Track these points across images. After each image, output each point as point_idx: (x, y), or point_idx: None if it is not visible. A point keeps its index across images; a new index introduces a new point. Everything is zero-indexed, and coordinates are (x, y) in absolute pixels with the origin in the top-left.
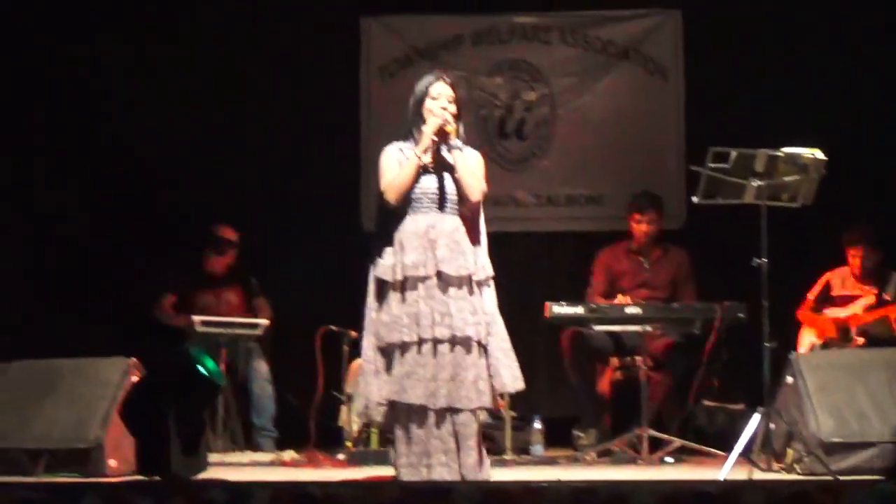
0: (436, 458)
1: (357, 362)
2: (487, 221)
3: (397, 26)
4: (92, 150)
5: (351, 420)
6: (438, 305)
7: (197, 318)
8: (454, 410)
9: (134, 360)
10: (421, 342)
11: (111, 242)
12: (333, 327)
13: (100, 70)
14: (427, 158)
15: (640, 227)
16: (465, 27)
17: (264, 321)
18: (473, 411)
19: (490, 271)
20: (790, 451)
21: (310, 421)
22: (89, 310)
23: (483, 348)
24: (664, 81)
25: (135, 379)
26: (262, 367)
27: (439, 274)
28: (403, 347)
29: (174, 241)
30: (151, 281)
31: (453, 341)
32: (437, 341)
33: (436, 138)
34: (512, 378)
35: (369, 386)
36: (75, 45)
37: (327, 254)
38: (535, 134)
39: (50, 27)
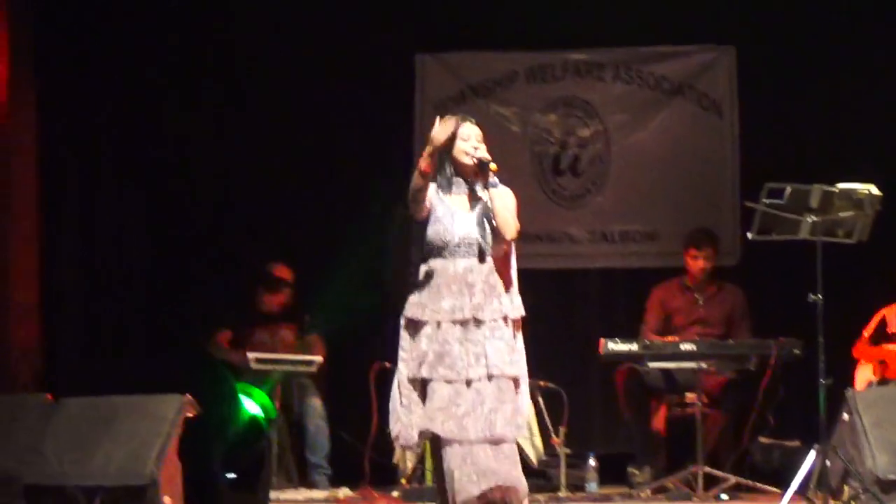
0: (482, 471)
1: None
2: (542, 257)
3: (452, 63)
4: (150, 187)
5: (405, 457)
6: (474, 347)
7: (251, 356)
8: (493, 443)
9: (189, 397)
10: (451, 381)
11: (167, 279)
12: (387, 364)
13: (158, 109)
14: (464, 195)
15: (697, 262)
16: (519, 64)
17: (318, 358)
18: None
19: (522, 312)
20: (847, 489)
21: (364, 458)
22: (146, 346)
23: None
24: (718, 117)
25: (190, 415)
26: (316, 404)
27: (474, 317)
28: (430, 382)
29: (230, 277)
30: (207, 317)
31: (490, 378)
32: (469, 382)
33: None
34: (528, 410)
35: (410, 414)
36: (135, 84)
37: (381, 290)
38: (589, 170)
39: (110, 65)
